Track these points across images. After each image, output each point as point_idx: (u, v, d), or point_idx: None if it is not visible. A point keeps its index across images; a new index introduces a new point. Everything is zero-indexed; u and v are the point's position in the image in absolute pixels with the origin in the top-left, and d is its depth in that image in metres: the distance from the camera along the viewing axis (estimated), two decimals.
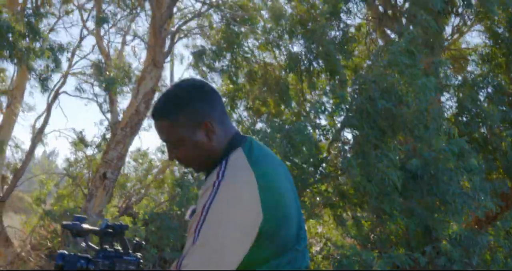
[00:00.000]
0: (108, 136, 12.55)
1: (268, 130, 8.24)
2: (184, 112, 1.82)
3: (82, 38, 13.66)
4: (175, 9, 11.40)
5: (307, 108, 10.51)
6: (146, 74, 10.48)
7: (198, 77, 12.50)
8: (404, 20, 10.14)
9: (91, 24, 14.05)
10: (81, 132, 13.48)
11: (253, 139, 1.90)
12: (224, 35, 11.45)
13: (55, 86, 12.78)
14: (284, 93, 10.89)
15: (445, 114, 9.16)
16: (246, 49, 11.80)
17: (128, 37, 14.62)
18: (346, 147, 8.32)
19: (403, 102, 7.64)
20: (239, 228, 1.66)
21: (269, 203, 1.71)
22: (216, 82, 12.26)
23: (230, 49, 11.40)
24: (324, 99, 9.61)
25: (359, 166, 7.50)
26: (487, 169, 8.73)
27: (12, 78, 13.45)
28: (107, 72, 11.96)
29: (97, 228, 2.02)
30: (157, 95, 12.30)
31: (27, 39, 9.72)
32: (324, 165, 8.31)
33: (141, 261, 2.00)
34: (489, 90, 9.54)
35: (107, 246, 2.01)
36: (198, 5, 12.25)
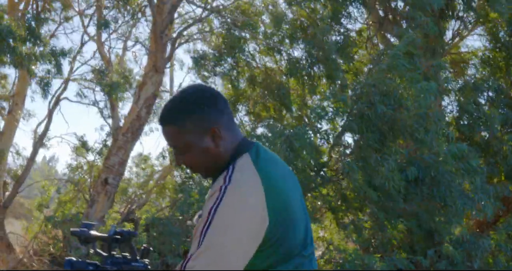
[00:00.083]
0: (109, 141, 12.54)
1: (269, 135, 8.26)
2: (191, 118, 1.82)
3: (83, 44, 13.67)
4: (176, 15, 11.42)
5: (308, 113, 10.52)
6: (147, 80, 10.49)
7: (199, 82, 12.53)
8: (404, 24, 10.16)
9: (92, 30, 14.10)
10: (82, 137, 13.47)
11: (259, 145, 1.90)
12: (225, 40, 11.48)
13: (56, 92, 12.83)
14: (285, 98, 10.90)
15: (446, 118, 9.17)
16: (247, 54, 11.82)
17: (129, 43, 14.63)
18: (347, 151, 8.33)
19: (403, 106, 7.65)
20: (244, 232, 1.66)
21: (275, 208, 1.71)
22: (217, 86, 12.27)
23: (231, 54, 11.42)
24: (325, 103, 9.62)
25: (360, 170, 7.51)
26: (488, 173, 8.74)
27: (13, 84, 13.46)
28: (108, 79, 11.97)
29: (105, 235, 2.02)
30: (158, 101, 12.33)
31: (28, 43, 9.74)
32: (325, 169, 8.31)
33: (149, 267, 2.00)
34: (490, 93, 9.57)
35: (114, 252, 2.01)
36: (198, 11, 12.28)
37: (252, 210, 1.68)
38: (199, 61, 11.75)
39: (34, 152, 12.86)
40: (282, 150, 7.33)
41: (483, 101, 9.56)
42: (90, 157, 13.41)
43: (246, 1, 12.30)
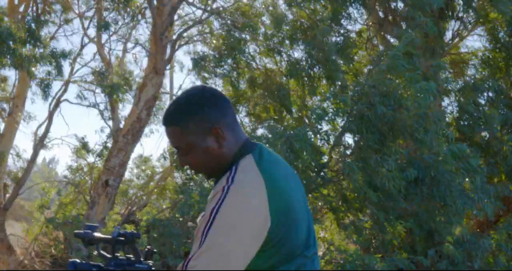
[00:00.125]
0: (109, 143, 12.55)
1: (269, 136, 8.27)
2: (194, 119, 1.84)
3: (83, 46, 13.67)
4: (176, 17, 11.43)
5: (309, 114, 10.53)
6: (147, 82, 10.51)
7: (199, 83, 12.54)
8: (404, 25, 10.18)
9: (92, 32, 14.10)
10: (83, 138, 13.47)
11: (263, 146, 1.91)
12: (225, 42, 11.49)
13: (56, 94, 12.84)
14: (285, 99, 10.91)
15: (447, 118, 9.18)
16: (248, 55, 11.83)
17: (129, 45, 14.64)
18: (348, 152, 8.34)
19: (403, 106, 7.66)
20: (246, 233, 1.67)
21: (277, 208, 1.72)
22: (218, 88, 12.26)
23: (231, 55, 11.43)
24: (325, 104, 9.62)
25: (360, 170, 7.52)
26: (488, 173, 8.75)
27: (14, 86, 13.46)
28: (108, 81, 11.98)
29: (109, 236, 2.03)
30: (158, 103, 12.34)
31: (28, 46, 9.75)
32: (325, 170, 8.32)
33: (153, 268, 2.01)
34: (490, 94, 9.58)
35: (118, 254, 2.02)
36: (198, 12, 12.28)
37: (254, 210, 1.68)
38: (199, 62, 11.75)
39: (35, 154, 12.87)
40: (282, 151, 7.34)
41: (483, 102, 9.58)
42: (91, 158, 13.43)
43: (246, 2, 12.32)
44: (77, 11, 13.76)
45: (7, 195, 12.47)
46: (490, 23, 10.08)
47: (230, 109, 1.92)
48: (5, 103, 13.51)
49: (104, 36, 13.45)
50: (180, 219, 8.65)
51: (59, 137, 19.66)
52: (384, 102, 7.59)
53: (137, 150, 44.70)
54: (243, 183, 1.73)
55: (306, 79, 10.71)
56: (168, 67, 11.92)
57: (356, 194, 8.03)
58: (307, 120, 10.86)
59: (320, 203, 8.50)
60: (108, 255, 2.02)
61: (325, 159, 8.40)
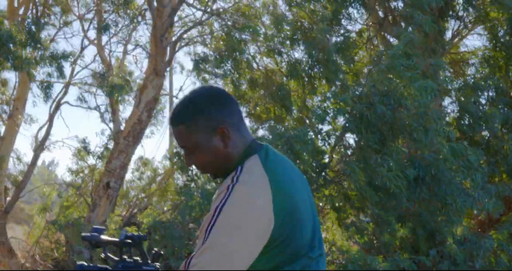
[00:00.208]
0: (110, 145, 12.54)
1: (270, 137, 8.27)
2: (199, 118, 1.84)
3: (83, 48, 13.64)
4: (176, 18, 11.43)
5: (309, 114, 10.54)
6: (147, 83, 10.51)
7: (199, 84, 12.54)
8: (404, 25, 10.18)
9: (92, 34, 14.10)
10: (84, 139, 13.44)
11: (269, 147, 1.92)
12: (225, 42, 11.48)
13: (57, 96, 12.84)
14: (286, 99, 10.91)
15: (447, 118, 9.18)
16: (248, 56, 11.83)
17: (130, 47, 14.63)
18: (348, 152, 8.33)
19: (403, 105, 7.66)
20: (249, 232, 1.67)
21: (282, 209, 1.72)
22: None
23: (232, 56, 11.43)
24: (325, 104, 9.63)
25: (361, 170, 7.52)
26: (489, 172, 8.74)
27: (14, 89, 13.46)
28: (108, 82, 11.97)
29: (116, 239, 2.03)
30: (158, 104, 12.34)
31: (28, 48, 9.75)
32: (326, 170, 8.32)
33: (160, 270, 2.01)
34: (490, 93, 9.58)
35: (125, 257, 2.02)
36: (198, 14, 12.29)
37: (258, 209, 1.69)
38: (199, 63, 11.75)
39: (35, 157, 12.86)
40: (282, 152, 7.34)
41: (483, 101, 9.57)
42: (91, 160, 13.41)
43: (246, 3, 12.31)
44: (77, 13, 13.77)
45: (8, 198, 12.46)
46: (490, 22, 10.08)
47: (236, 109, 1.93)
48: (6, 105, 13.50)
49: (104, 38, 13.46)
50: (182, 221, 8.64)
51: (59, 139, 19.65)
52: (384, 102, 7.59)
53: (138, 152, 44.73)
54: (248, 182, 1.73)
55: (306, 79, 10.71)
56: (168, 68, 11.93)
57: (357, 194, 8.03)
58: (307, 121, 10.87)
59: (321, 204, 8.50)
60: (116, 258, 2.03)
61: (326, 159, 8.40)
